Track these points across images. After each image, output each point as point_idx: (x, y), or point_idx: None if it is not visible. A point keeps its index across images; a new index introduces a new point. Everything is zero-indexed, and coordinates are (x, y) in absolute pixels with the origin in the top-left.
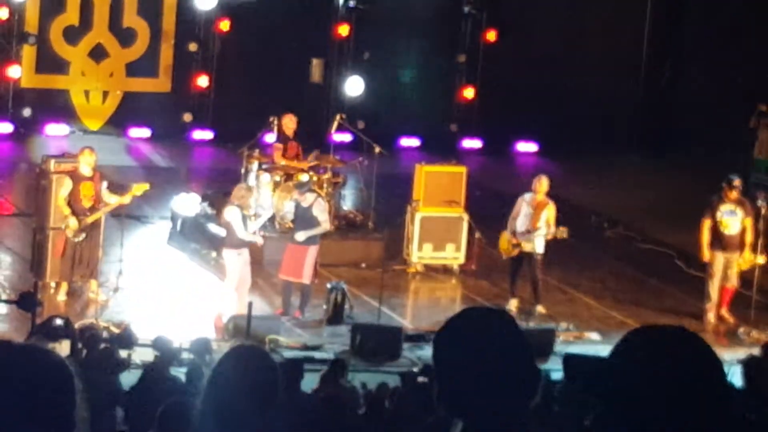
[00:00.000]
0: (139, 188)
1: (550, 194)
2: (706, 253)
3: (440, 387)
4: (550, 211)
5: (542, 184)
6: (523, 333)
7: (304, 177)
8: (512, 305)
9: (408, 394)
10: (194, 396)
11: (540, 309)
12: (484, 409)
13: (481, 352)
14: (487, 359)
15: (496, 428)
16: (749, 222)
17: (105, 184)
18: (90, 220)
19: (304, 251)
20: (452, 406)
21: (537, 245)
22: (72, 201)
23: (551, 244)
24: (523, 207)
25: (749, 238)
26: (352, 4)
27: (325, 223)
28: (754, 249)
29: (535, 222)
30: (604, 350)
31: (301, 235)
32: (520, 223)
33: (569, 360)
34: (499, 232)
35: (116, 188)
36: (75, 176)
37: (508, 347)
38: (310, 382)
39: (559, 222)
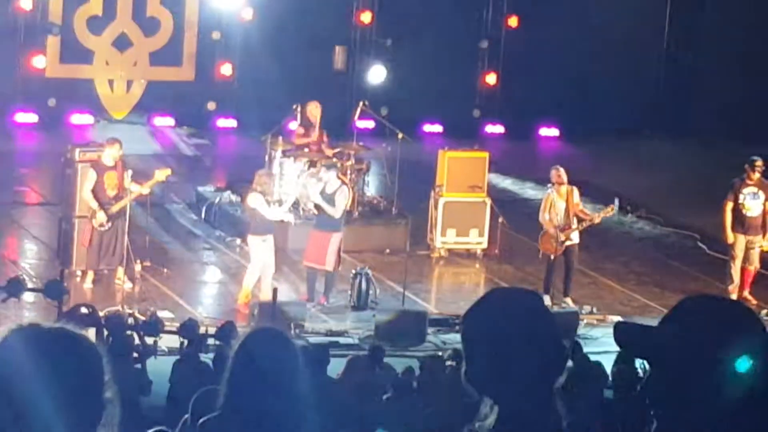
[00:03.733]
0: (162, 174)
1: (571, 180)
2: (729, 235)
3: (468, 366)
4: (577, 198)
5: (562, 174)
6: (551, 313)
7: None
8: (546, 301)
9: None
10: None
11: (569, 302)
12: (513, 387)
13: (510, 330)
14: (516, 338)
15: (524, 406)
16: None
17: (129, 173)
18: (115, 209)
19: (328, 238)
20: (481, 386)
21: (574, 235)
22: (97, 191)
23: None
24: (551, 201)
25: None
26: None
27: (337, 211)
28: None
29: (570, 212)
30: None
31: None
32: (554, 217)
33: (619, 327)
34: (521, 215)
35: (140, 177)
36: (98, 167)
37: (537, 326)
38: (335, 367)
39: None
